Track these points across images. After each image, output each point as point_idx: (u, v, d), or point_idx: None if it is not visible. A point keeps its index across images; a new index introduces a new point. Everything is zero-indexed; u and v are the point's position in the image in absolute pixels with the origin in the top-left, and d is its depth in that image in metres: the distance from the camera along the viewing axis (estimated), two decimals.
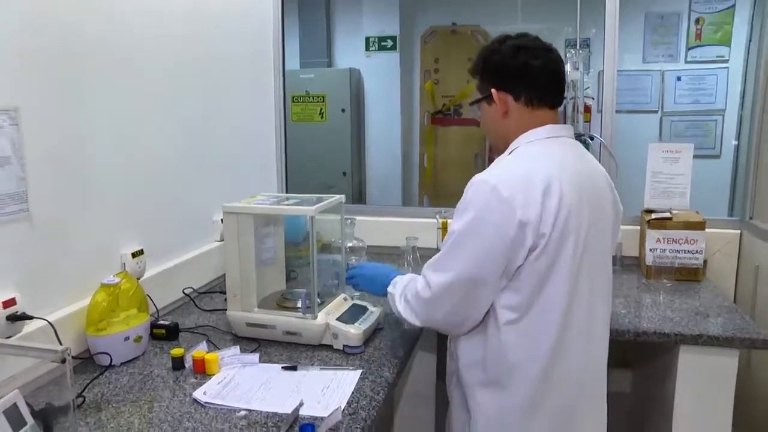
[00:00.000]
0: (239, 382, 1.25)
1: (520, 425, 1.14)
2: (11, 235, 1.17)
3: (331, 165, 3.69)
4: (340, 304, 1.50)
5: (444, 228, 2.07)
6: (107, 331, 1.32)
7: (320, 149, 3.64)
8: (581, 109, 2.42)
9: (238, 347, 1.38)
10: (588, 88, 3.00)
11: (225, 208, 1.47)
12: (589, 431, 1.22)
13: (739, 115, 3.11)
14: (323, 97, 3.71)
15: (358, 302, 1.53)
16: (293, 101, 3.69)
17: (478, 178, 1.11)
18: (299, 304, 1.45)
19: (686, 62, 3.48)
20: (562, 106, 1.44)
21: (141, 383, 1.25)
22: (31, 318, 1.19)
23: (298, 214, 1.49)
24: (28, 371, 1.12)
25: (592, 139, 2.37)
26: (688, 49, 3.46)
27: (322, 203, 1.46)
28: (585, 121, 2.51)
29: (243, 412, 1.12)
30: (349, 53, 3.91)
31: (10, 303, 1.16)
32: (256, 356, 1.35)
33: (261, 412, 1.12)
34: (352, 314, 1.45)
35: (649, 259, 2.01)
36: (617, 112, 2.23)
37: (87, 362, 1.33)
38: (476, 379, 1.18)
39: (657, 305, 1.76)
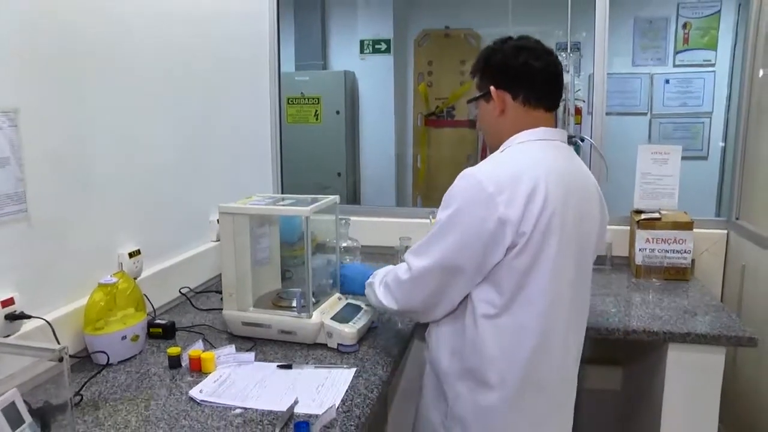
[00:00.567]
0: (235, 380, 1.26)
1: (501, 418, 1.16)
2: (10, 235, 1.18)
3: (325, 166, 3.71)
4: (334, 303, 1.52)
5: None
6: (104, 330, 1.33)
7: (315, 150, 3.65)
8: (572, 111, 2.45)
9: (233, 346, 1.39)
10: (579, 90, 3.05)
11: (221, 208, 1.48)
12: (561, 424, 1.25)
13: (725, 117, 3.17)
14: (318, 99, 3.73)
15: (353, 301, 1.54)
16: (288, 103, 3.71)
17: (468, 171, 1.13)
18: (294, 304, 1.46)
19: (674, 66, 3.53)
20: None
21: (138, 382, 1.26)
22: (29, 317, 1.20)
23: (293, 214, 1.51)
24: (26, 370, 1.13)
25: (582, 140, 2.40)
26: (676, 52, 3.52)
27: (316, 204, 1.47)
28: (576, 123, 2.55)
29: (239, 410, 1.13)
30: (344, 56, 3.94)
31: (8, 302, 1.16)
32: (251, 355, 1.36)
33: (256, 410, 1.13)
34: (347, 313, 1.47)
35: (639, 259, 2.03)
36: (607, 114, 2.26)
37: (84, 361, 1.34)
38: (454, 368, 1.19)
39: (646, 304, 1.79)
